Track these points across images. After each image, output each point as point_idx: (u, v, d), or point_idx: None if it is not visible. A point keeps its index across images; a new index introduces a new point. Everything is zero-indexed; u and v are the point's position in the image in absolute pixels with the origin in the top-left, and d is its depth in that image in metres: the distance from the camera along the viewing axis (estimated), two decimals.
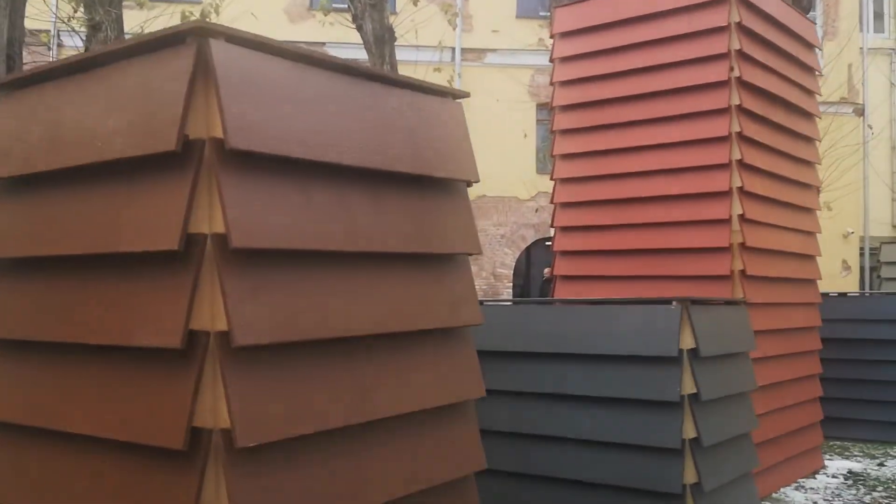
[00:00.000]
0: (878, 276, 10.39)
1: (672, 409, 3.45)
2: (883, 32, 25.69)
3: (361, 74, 2.08)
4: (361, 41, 10.17)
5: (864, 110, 21.45)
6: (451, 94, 2.33)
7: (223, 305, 1.72)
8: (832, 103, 17.44)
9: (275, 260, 1.87)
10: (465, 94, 2.41)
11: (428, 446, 2.16)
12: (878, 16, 25.98)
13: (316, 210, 1.88)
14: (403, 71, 11.50)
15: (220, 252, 1.75)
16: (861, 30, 22.85)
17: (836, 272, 20.48)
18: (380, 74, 2.12)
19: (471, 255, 2.31)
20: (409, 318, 2.10)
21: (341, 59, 2.05)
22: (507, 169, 17.58)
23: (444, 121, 2.25)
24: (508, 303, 4.79)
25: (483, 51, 18.22)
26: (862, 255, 21.94)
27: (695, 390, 3.48)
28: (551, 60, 6.35)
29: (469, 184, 2.35)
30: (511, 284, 18.35)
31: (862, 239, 22.11)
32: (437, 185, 2.26)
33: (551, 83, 6.35)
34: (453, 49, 18.12)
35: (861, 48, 22.36)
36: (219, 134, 1.76)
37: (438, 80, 14.93)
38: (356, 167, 2.02)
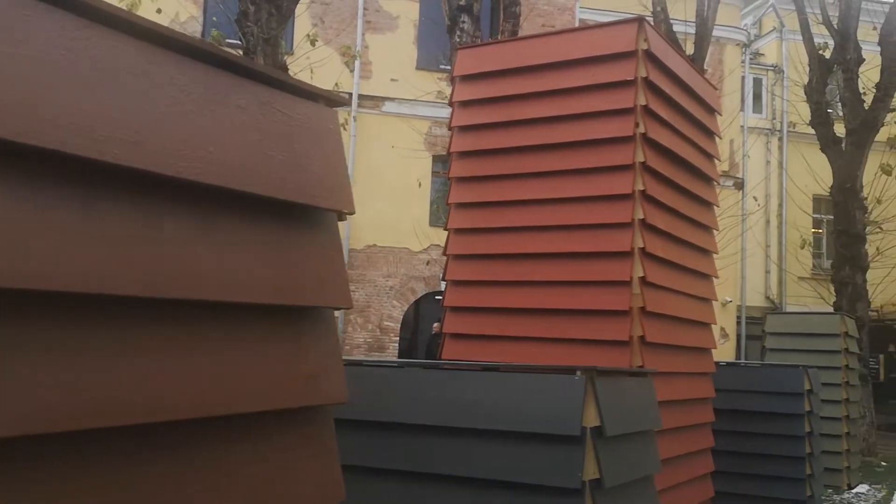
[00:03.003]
0: (763, 347, 10.44)
1: (572, 498, 2.97)
2: (761, 113, 27.14)
3: (201, 55, 1.53)
4: None
5: (743, 184, 22.34)
6: (324, 99, 1.81)
7: None
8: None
9: (25, 307, 1.26)
10: (343, 102, 1.90)
11: None
12: (758, 97, 27.46)
13: (99, 236, 1.29)
14: None
15: None
16: (742, 109, 23.98)
17: (716, 339, 20.96)
18: (227, 60, 1.57)
19: (339, 309, 1.79)
20: (245, 397, 1.51)
21: (167, 27, 1.48)
22: (400, 219, 17.18)
23: (314, 132, 1.72)
24: (376, 364, 4.23)
25: (381, 99, 17.90)
26: (739, 323, 22.60)
27: (598, 476, 3.02)
28: (451, 104, 5.97)
29: (342, 217, 1.82)
30: (398, 338, 17.76)
31: (739, 308, 22.81)
32: (299, 215, 1.72)
33: (449, 128, 5.96)
34: (350, 94, 17.71)
35: (742, 126, 23.41)
36: None
37: None
38: (179, 179, 1.44)
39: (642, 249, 5.11)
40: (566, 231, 5.35)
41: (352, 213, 1.84)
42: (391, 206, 16.86)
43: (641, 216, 5.13)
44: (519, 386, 3.19)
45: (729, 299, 21.96)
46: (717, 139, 6.71)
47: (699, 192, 6.13)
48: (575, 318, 5.27)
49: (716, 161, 6.69)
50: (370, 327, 17.68)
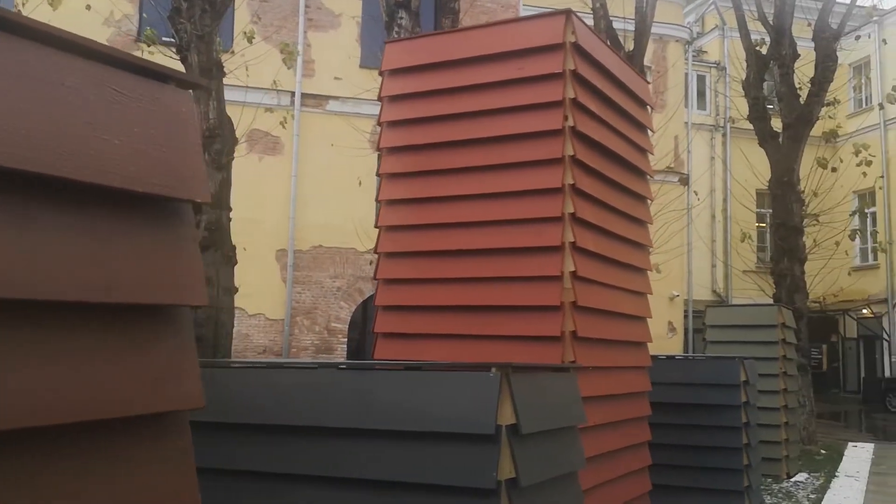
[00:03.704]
0: (704, 339, 10.54)
1: (487, 499, 2.89)
2: (705, 110, 27.60)
3: (18, 28, 1.36)
4: None
5: (688, 179, 22.65)
6: (174, 80, 1.68)
7: None
8: (660, 171, 18.21)
9: None
10: (200, 84, 1.77)
11: None
12: (702, 94, 27.91)
13: None
14: (233, 112, 10.73)
15: None
16: (686, 105, 24.34)
17: (663, 333, 21.22)
18: (51, 35, 1.44)
19: (193, 307, 1.67)
20: (68, 405, 1.35)
21: None
22: (346, 219, 16.97)
23: (161, 115, 1.59)
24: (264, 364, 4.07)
25: (325, 97, 17.69)
26: (686, 317, 22.92)
27: (514, 475, 2.94)
28: (380, 99, 5.86)
29: (197, 207, 1.70)
30: (346, 339, 17.58)
31: (686, 302, 23.14)
32: (141, 205, 1.57)
33: (378, 123, 5.85)
34: (293, 93, 17.47)
35: (686, 122, 23.76)
36: None
37: (271, 121, 14.23)
38: None
39: (573, 244, 5.06)
40: (496, 226, 5.28)
41: (207, 201, 1.72)
42: (336, 206, 16.67)
43: (572, 210, 5.08)
44: (432, 385, 3.10)
45: (676, 294, 22.26)
46: (649, 133, 6.72)
47: (631, 185, 6.11)
48: (506, 315, 5.20)
49: (650, 156, 6.71)
50: (317, 329, 17.47)
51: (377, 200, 5.78)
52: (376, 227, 5.75)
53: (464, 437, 2.96)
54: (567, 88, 5.20)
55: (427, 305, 5.47)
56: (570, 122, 5.17)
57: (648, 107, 6.72)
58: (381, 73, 5.92)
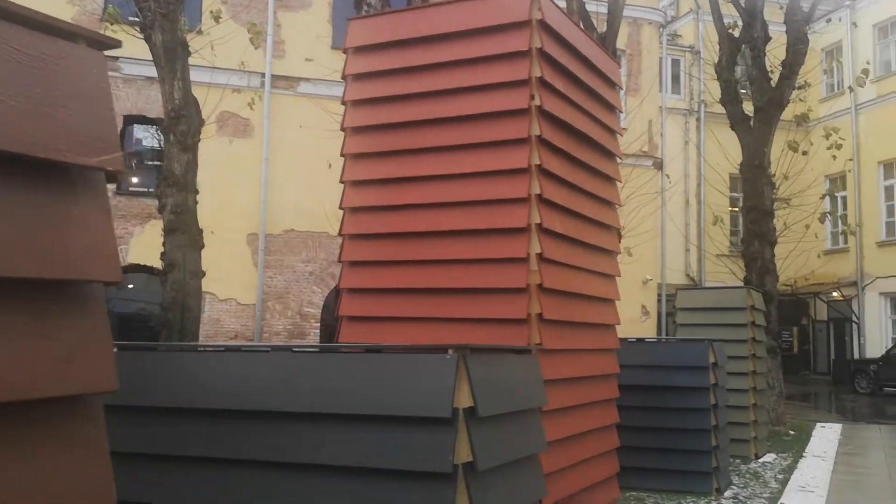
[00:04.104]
0: (674, 322, 10.56)
1: (443, 483, 2.82)
2: (679, 94, 27.63)
3: None
4: None
5: (662, 164, 22.68)
6: (84, 39, 1.55)
7: None
8: (634, 155, 18.20)
9: None
10: (114, 43, 1.65)
11: None
12: (676, 78, 27.93)
13: None
14: (200, 93, 10.53)
15: None
16: (660, 89, 24.34)
17: (637, 317, 21.31)
18: None
19: (107, 283, 1.56)
20: None
21: None
22: (318, 203, 16.79)
23: (68, 76, 1.47)
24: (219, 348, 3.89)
25: (296, 79, 17.45)
26: (659, 300, 23.02)
27: (471, 458, 2.87)
28: (344, 77, 5.74)
29: (113, 176, 1.58)
30: (319, 324, 17.45)
31: (660, 286, 23.23)
32: (43, 173, 1.43)
33: (343, 102, 5.73)
34: (263, 75, 17.22)
35: (660, 106, 23.76)
36: None
37: (240, 103, 14.00)
38: None
39: (539, 225, 4.99)
40: (461, 207, 5.20)
41: (122, 170, 1.61)
42: (308, 189, 16.47)
43: (538, 191, 5.01)
44: (387, 368, 3.02)
45: (650, 277, 22.35)
46: (621, 114, 6.66)
47: (600, 166, 6.06)
48: (472, 297, 5.13)
49: (621, 137, 6.65)
50: (290, 314, 17.32)
51: (341, 181, 5.67)
52: (341, 208, 5.64)
53: (420, 420, 2.89)
54: (533, 67, 5.11)
55: (392, 288, 5.39)
56: (537, 102, 5.09)
57: (618, 88, 6.65)
58: (345, 51, 5.80)
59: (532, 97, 5.09)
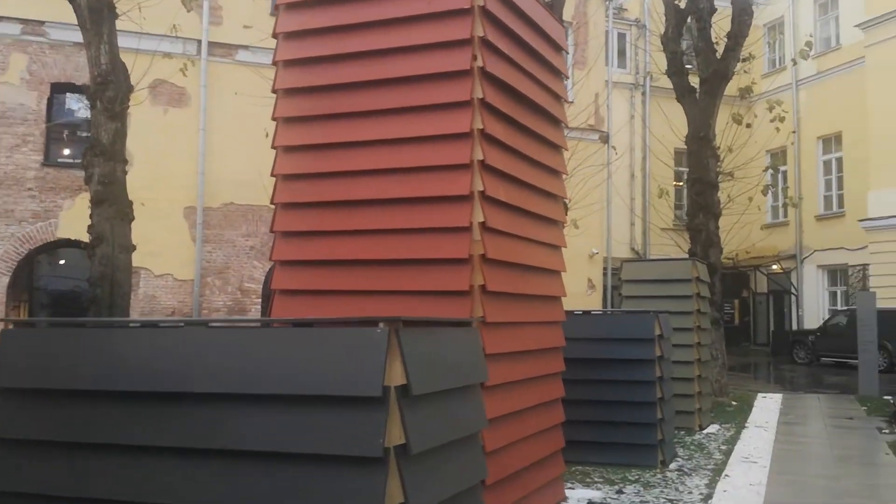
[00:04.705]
0: (620, 295, 10.49)
1: (373, 468, 2.59)
2: (625, 68, 27.64)
3: None
4: None
5: (608, 137, 22.68)
6: None
7: None
8: (580, 129, 18.08)
9: None
10: None
11: None
12: (622, 52, 27.92)
13: None
14: (128, 58, 9.99)
15: None
16: (606, 63, 24.27)
17: (583, 291, 21.36)
18: None
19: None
20: None
21: None
22: (258, 175, 16.28)
23: None
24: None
25: (234, 47, 16.85)
26: (605, 274, 23.12)
27: (404, 440, 2.64)
28: (275, 35, 5.39)
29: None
30: (260, 300, 17.03)
31: (606, 259, 23.33)
32: None
33: (274, 62, 5.39)
34: (199, 42, 16.58)
35: (606, 80, 23.71)
36: None
37: (171, 68, 13.42)
38: None
39: (482, 193, 4.76)
40: (400, 174, 4.94)
41: None
42: (249, 161, 15.92)
43: (481, 157, 4.77)
44: (312, 343, 2.76)
45: (595, 251, 22.41)
46: (570, 85, 6.44)
47: (545, 133, 5.84)
48: (413, 268, 4.89)
49: (569, 108, 6.44)
50: (230, 290, 16.86)
51: (273, 147, 5.35)
52: (273, 175, 5.32)
53: (348, 400, 2.64)
54: (476, 26, 4.85)
55: (328, 260, 5.10)
56: (479, 63, 4.84)
57: (564, 52, 6.43)
58: (276, 9, 5.45)
59: (474, 58, 4.84)
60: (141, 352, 2.92)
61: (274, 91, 5.38)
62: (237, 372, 2.79)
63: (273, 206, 5.29)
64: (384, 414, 2.59)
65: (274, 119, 5.36)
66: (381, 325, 2.68)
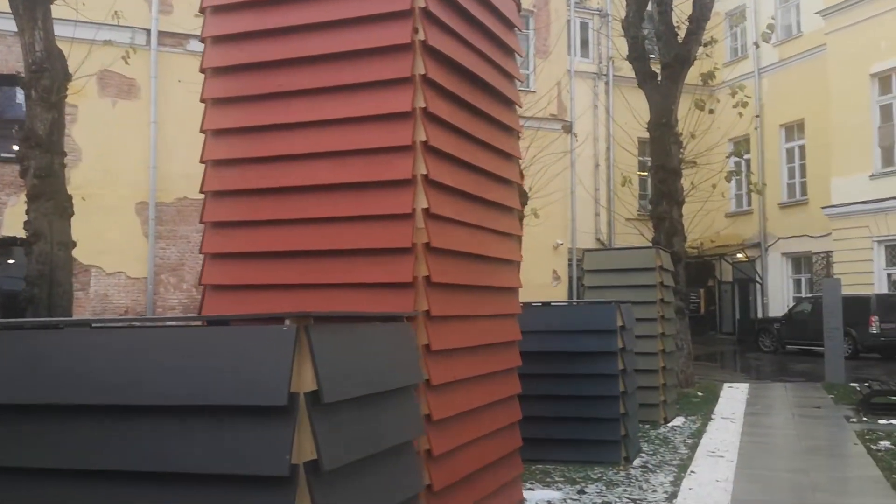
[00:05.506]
0: (583, 285, 10.20)
1: (279, 488, 2.22)
2: (588, 58, 27.43)
3: None
4: None
5: (571, 127, 22.44)
6: None
7: None
8: (542, 119, 17.79)
9: None
10: None
11: None
12: (584, 42, 27.71)
13: None
14: (68, 47, 9.48)
15: None
16: (569, 52, 24.03)
17: (548, 282, 21.12)
18: None
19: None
20: None
21: None
22: None
23: None
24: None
25: (185, 36, 16.28)
26: (570, 264, 22.91)
27: (315, 456, 2.28)
28: (202, 10, 4.98)
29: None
30: None
31: (570, 250, 23.11)
32: None
33: (201, 39, 4.98)
34: (148, 31, 16.00)
35: (568, 70, 23.45)
36: None
37: (113, 56, 12.87)
38: None
39: (426, 177, 4.39)
40: (337, 158, 4.56)
41: None
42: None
43: (424, 138, 4.40)
44: (210, 345, 2.38)
45: (560, 242, 22.18)
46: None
47: (496, 114, 5.49)
48: (352, 259, 4.51)
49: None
50: (185, 287, 16.33)
51: (202, 130, 4.94)
52: (202, 161, 4.91)
53: (249, 410, 2.28)
54: None
55: (261, 252, 4.71)
56: (421, 36, 4.47)
57: (517, 29, 6.08)
58: None
59: (415, 30, 4.47)
60: (15, 358, 2.52)
61: (202, 70, 4.98)
62: (126, 379, 2.40)
63: (202, 194, 4.89)
64: (291, 426, 2.23)
65: (202, 101, 4.95)
66: (287, 321, 2.31)
